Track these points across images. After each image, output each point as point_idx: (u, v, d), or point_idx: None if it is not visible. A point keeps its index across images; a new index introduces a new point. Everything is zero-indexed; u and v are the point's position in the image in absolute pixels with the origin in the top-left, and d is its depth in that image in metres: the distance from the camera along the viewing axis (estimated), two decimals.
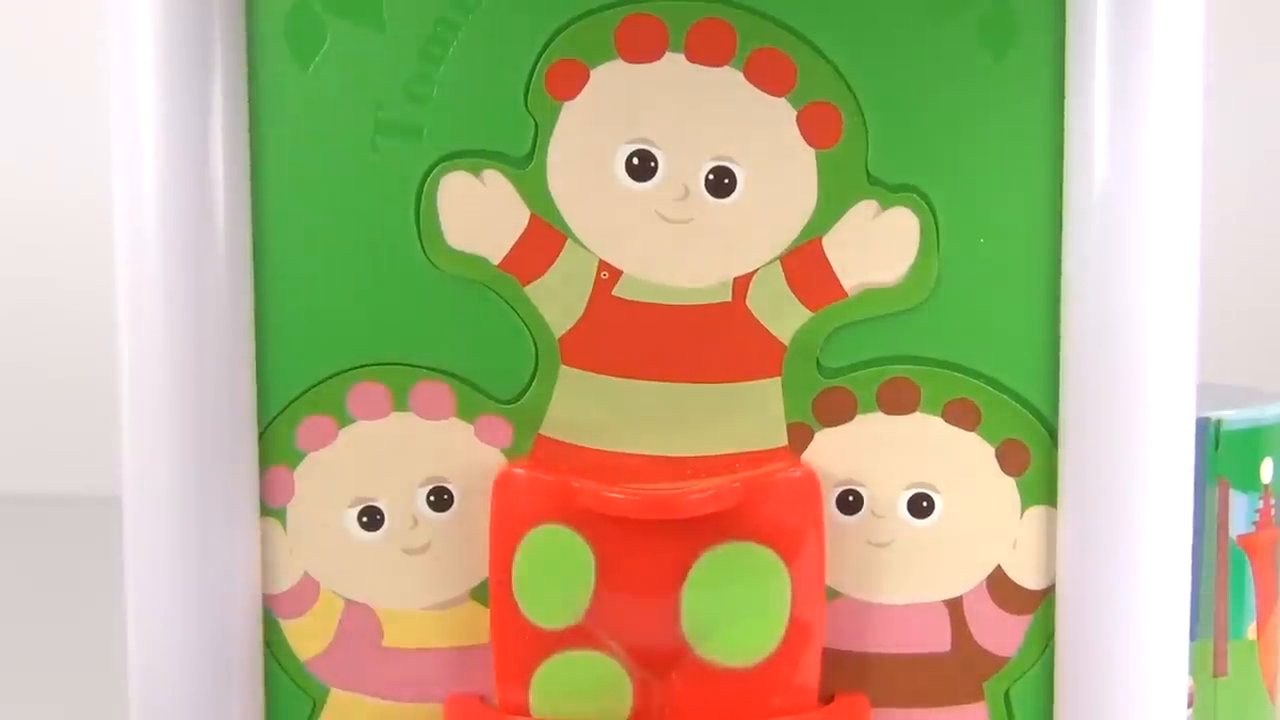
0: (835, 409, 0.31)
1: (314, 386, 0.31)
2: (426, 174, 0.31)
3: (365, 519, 0.32)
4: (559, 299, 0.31)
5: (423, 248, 0.31)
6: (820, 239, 0.31)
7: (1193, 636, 0.33)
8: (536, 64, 0.31)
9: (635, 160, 0.31)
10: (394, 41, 0.31)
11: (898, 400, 0.31)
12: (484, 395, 0.31)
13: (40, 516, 0.91)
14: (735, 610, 0.31)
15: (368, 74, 0.31)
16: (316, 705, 0.32)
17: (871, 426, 0.31)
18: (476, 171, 0.31)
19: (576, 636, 0.31)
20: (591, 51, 0.31)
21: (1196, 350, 0.31)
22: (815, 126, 0.31)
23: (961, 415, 0.31)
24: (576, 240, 0.31)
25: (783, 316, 0.31)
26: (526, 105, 0.31)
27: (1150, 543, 0.31)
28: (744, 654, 0.31)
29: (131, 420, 0.31)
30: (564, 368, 0.31)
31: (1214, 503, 0.39)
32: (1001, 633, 0.32)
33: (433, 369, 0.31)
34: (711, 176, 0.31)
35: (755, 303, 0.31)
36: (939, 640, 0.32)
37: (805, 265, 0.31)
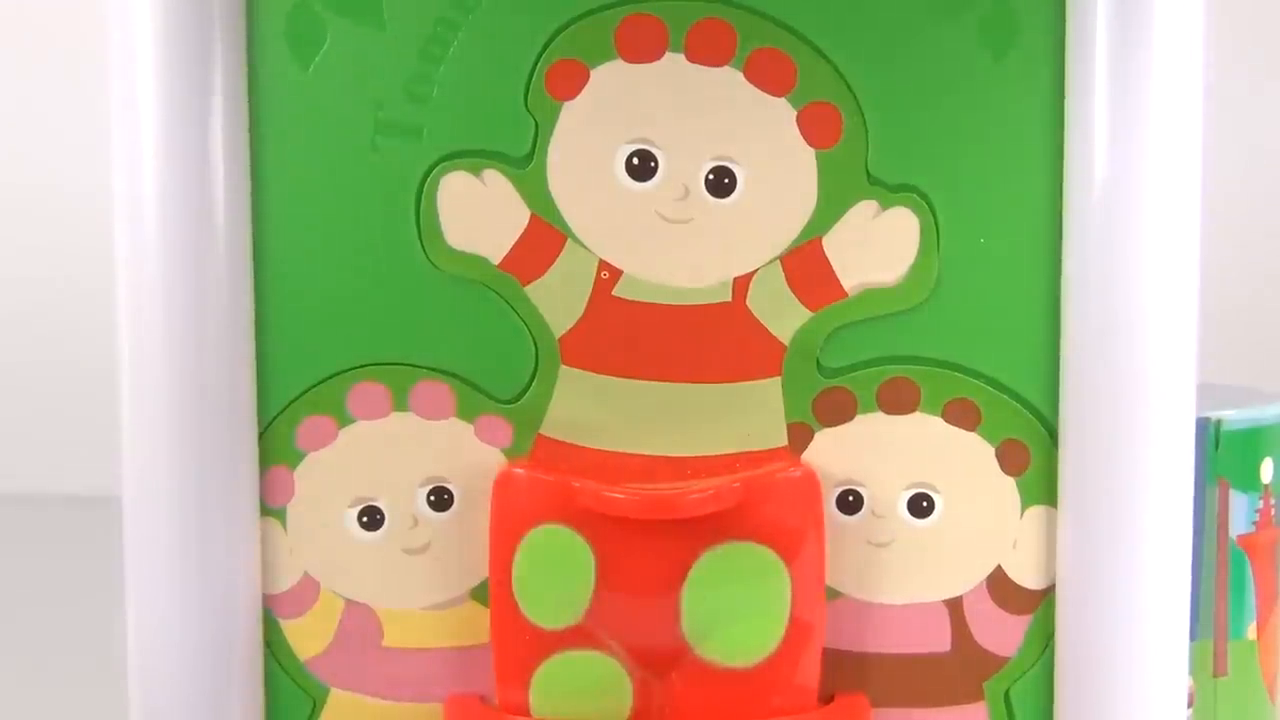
0: (835, 409, 0.31)
1: (314, 386, 0.31)
2: (426, 174, 0.31)
3: (365, 519, 0.32)
4: (559, 299, 0.31)
5: (423, 248, 0.31)
6: (820, 239, 0.31)
7: (1193, 636, 0.33)
8: (536, 64, 0.31)
9: (635, 160, 0.31)
10: (394, 41, 0.31)
11: (898, 400, 0.31)
12: (484, 395, 0.31)
13: (40, 516, 0.91)
14: (735, 610, 0.31)
15: (368, 74, 0.31)
16: (316, 705, 0.32)
17: (871, 426, 0.31)
18: (476, 171, 0.31)
19: (576, 636, 0.31)
20: (591, 51, 0.31)
21: (1196, 350, 0.31)
22: (815, 126, 0.31)
23: (961, 415, 0.31)
24: (576, 240, 0.31)
25: (783, 316, 0.31)
26: (527, 105, 0.31)
27: (1150, 543, 0.31)
28: (744, 654, 0.31)
29: (131, 420, 0.31)
30: (564, 368, 0.31)
31: (1214, 503, 0.39)
32: (1001, 633, 0.32)
33: (433, 369, 0.31)
34: (711, 176, 0.31)
35: (755, 303, 0.31)
36: (939, 640, 0.32)
37: (805, 265, 0.31)
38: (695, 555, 0.31)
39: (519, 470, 0.31)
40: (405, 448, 0.32)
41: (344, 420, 0.32)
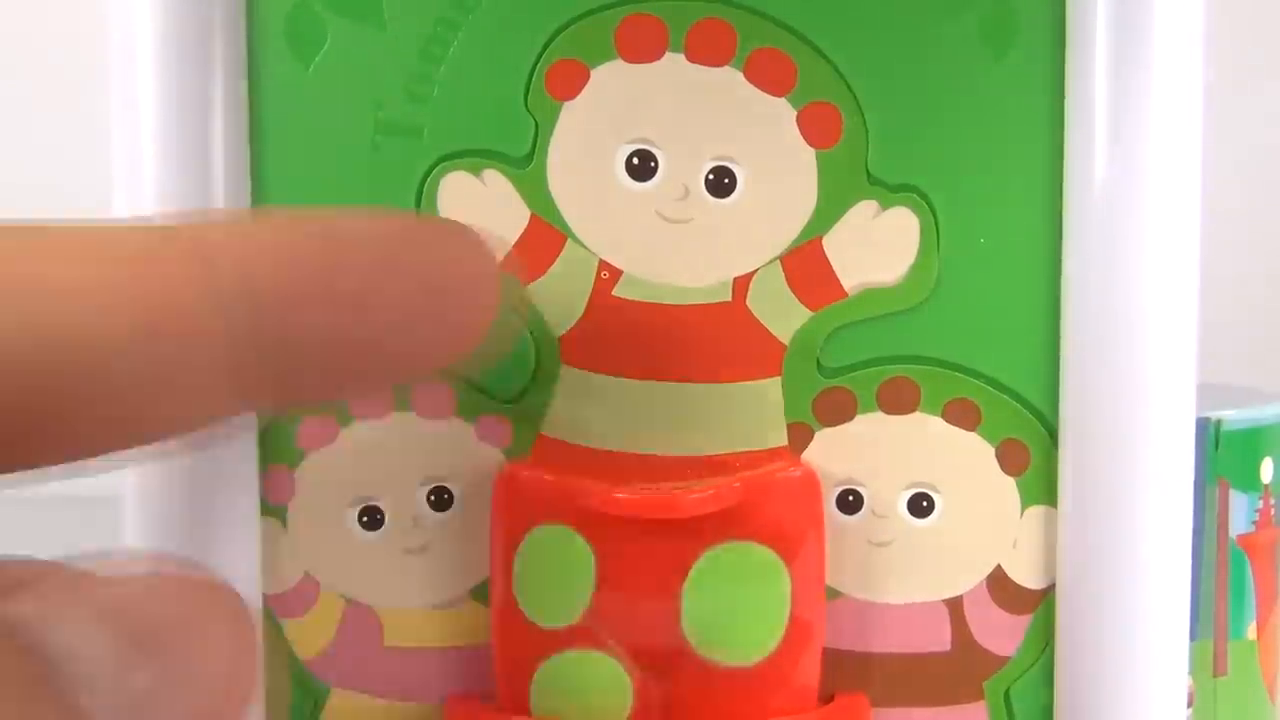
0: (835, 409, 0.31)
1: None
2: (426, 174, 0.31)
3: (366, 519, 0.32)
4: (559, 299, 0.31)
5: None
6: (820, 239, 0.31)
7: (1193, 636, 0.33)
8: (536, 64, 0.31)
9: (635, 160, 0.31)
10: (395, 41, 0.31)
11: (898, 400, 0.31)
12: (484, 395, 0.31)
13: (41, 517, 0.91)
14: (735, 610, 0.31)
15: (368, 74, 0.31)
16: (317, 705, 0.32)
17: (871, 426, 0.31)
18: (476, 171, 0.31)
19: (577, 636, 0.31)
20: (591, 51, 0.31)
21: (1196, 350, 0.31)
22: (815, 126, 0.31)
23: (962, 415, 0.31)
24: (576, 240, 0.31)
25: (783, 316, 0.31)
26: (526, 105, 0.31)
27: (1150, 543, 0.31)
28: (744, 653, 0.31)
29: None
30: (564, 367, 0.31)
31: (1214, 503, 0.39)
32: (1001, 632, 0.32)
33: None
34: (711, 176, 0.31)
35: (755, 303, 0.31)
36: (939, 640, 0.32)
37: (805, 265, 0.31)
38: (695, 555, 0.31)
39: (519, 470, 0.31)
40: (405, 447, 0.32)
41: (344, 420, 0.32)
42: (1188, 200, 0.30)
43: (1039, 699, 0.32)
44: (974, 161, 0.31)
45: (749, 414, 0.31)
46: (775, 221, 0.31)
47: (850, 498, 0.32)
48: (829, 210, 0.31)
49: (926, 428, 0.31)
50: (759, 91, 0.31)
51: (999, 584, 0.32)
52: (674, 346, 0.31)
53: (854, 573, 0.32)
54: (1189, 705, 0.39)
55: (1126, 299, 0.30)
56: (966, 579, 0.32)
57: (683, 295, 0.31)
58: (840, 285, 0.31)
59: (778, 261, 0.31)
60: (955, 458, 0.32)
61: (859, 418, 0.31)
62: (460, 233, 0.24)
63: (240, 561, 0.31)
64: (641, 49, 0.31)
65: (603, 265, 0.31)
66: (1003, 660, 0.32)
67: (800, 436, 0.31)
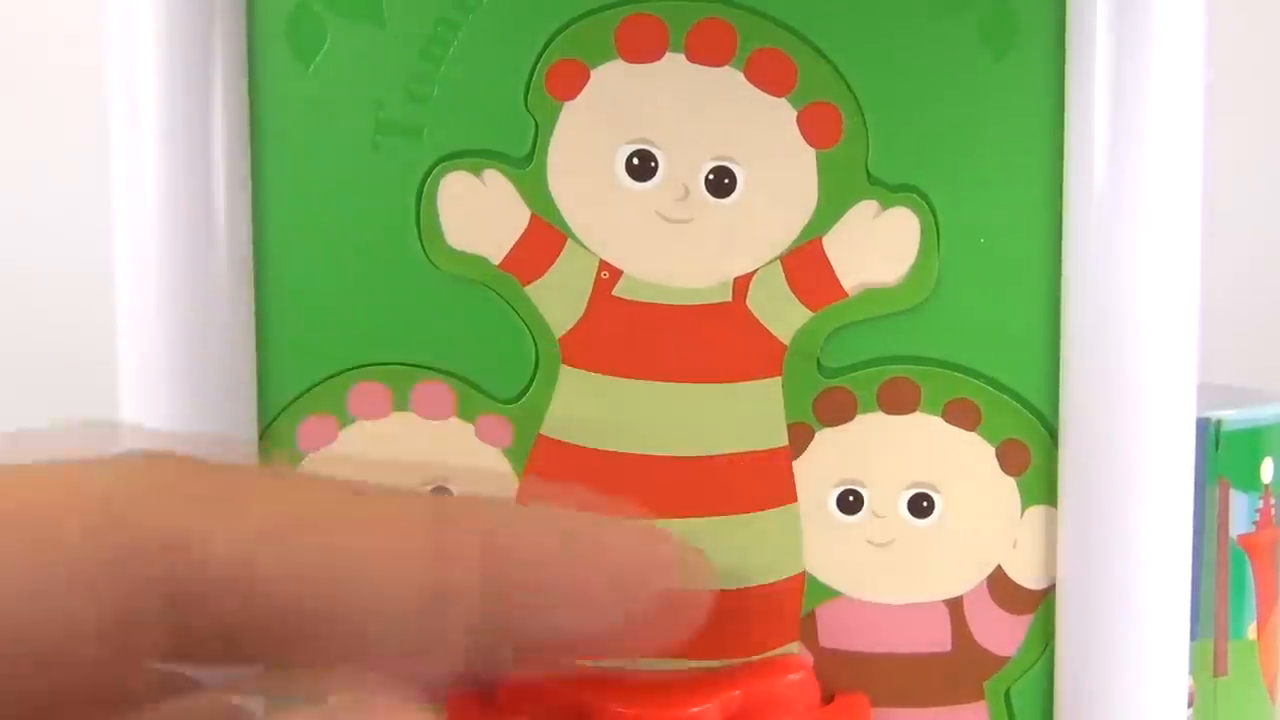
0: (835, 409, 0.31)
1: (314, 386, 0.31)
2: (427, 174, 0.31)
3: None
4: (559, 299, 0.31)
5: (423, 248, 0.31)
6: (820, 239, 0.31)
7: (1193, 636, 0.33)
8: (537, 64, 0.31)
9: (635, 160, 0.31)
10: (395, 41, 0.31)
11: (898, 400, 0.31)
12: (484, 395, 0.31)
13: None
14: None
15: (368, 74, 0.31)
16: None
17: (872, 426, 0.31)
18: (477, 171, 0.31)
19: None
20: (592, 51, 0.31)
21: (1196, 350, 0.31)
22: (815, 126, 0.31)
23: (962, 415, 0.31)
24: (577, 240, 0.31)
25: (783, 316, 0.31)
26: (527, 105, 0.31)
27: (1150, 543, 0.31)
28: None
29: (132, 419, 0.31)
30: (564, 368, 0.31)
31: (1214, 503, 0.39)
32: (1001, 633, 0.32)
33: (433, 369, 0.31)
34: (712, 176, 0.31)
35: (755, 303, 0.31)
36: (939, 640, 0.32)
37: (805, 265, 0.31)
38: None
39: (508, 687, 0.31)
40: (405, 448, 0.32)
41: (344, 420, 0.32)
42: (1188, 200, 0.30)
43: (1039, 699, 0.32)
44: (974, 161, 0.31)
45: (749, 414, 0.31)
46: (775, 221, 0.31)
47: (850, 498, 0.32)
48: (829, 210, 0.31)
49: (927, 428, 0.31)
50: (759, 91, 0.31)
51: (999, 584, 0.32)
52: (674, 347, 0.31)
53: (854, 573, 0.32)
54: (1189, 705, 0.39)
55: (1126, 299, 0.30)
56: (966, 579, 0.32)
57: (683, 295, 0.31)
58: (840, 285, 0.31)
59: (778, 261, 0.31)
60: (955, 458, 0.32)
61: (859, 418, 0.31)
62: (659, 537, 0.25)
63: None
64: (642, 49, 0.31)
65: (603, 265, 0.31)
66: (1003, 660, 0.32)
67: (800, 436, 0.31)
